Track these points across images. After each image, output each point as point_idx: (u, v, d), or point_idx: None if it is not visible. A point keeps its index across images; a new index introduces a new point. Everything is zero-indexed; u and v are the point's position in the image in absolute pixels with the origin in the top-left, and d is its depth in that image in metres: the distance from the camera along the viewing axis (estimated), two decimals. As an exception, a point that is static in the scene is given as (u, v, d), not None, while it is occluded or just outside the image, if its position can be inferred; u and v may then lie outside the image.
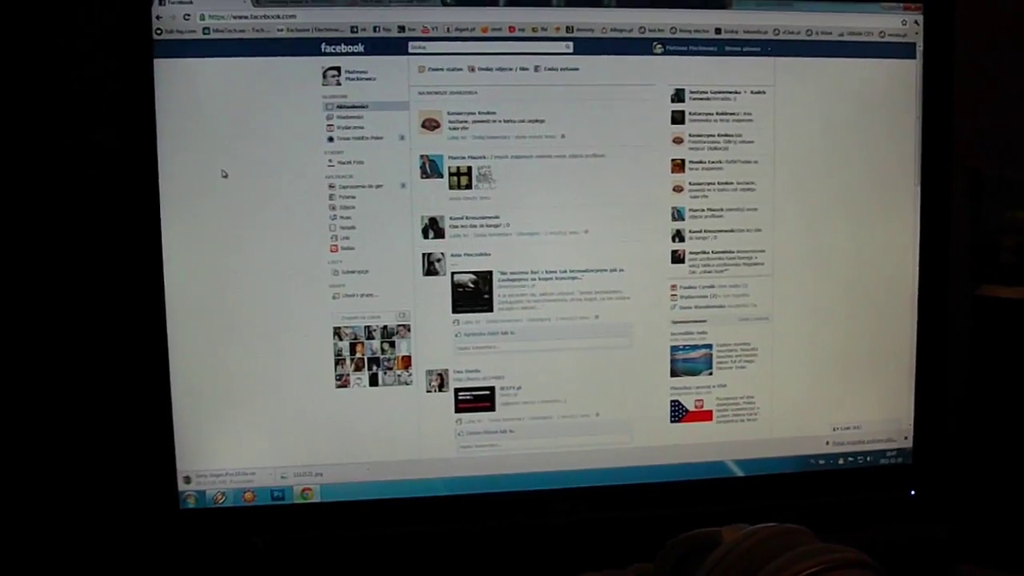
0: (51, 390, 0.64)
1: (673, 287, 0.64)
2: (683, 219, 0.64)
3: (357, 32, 0.60)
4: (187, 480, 0.61)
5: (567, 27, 0.62)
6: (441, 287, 0.62)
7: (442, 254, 0.62)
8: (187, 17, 0.59)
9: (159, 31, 0.59)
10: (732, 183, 0.64)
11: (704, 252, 0.64)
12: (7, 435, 0.64)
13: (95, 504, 0.64)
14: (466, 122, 0.61)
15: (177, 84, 0.59)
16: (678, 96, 0.63)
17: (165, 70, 0.59)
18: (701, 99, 0.63)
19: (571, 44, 0.62)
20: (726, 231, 0.64)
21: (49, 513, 0.64)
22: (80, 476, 0.64)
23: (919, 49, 0.65)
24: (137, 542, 0.63)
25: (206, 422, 0.61)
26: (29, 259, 0.64)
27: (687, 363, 0.64)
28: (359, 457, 0.62)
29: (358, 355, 0.61)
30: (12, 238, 0.63)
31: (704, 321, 0.64)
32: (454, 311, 0.62)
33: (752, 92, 0.64)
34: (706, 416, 0.65)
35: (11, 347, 0.64)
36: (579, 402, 0.64)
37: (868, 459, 0.67)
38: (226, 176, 0.60)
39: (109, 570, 0.64)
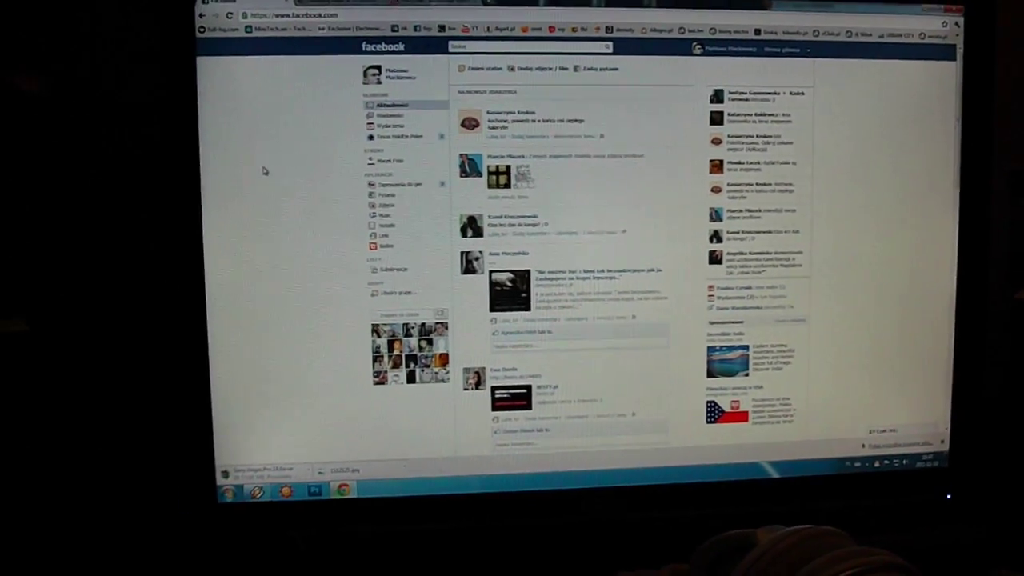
0: (92, 384, 0.65)
1: (711, 288, 0.64)
2: (721, 220, 0.64)
3: (398, 31, 0.61)
4: (225, 474, 0.62)
5: (607, 27, 0.62)
6: (479, 285, 0.62)
7: (480, 252, 0.62)
8: (230, 15, 0.60)
9: (202, 29, 0.60)
10: (770, 184, 0.64)
11: (742, 253, 0.64)
12: (49, 429, 0.64)
13: (134, 497, 0.64)
14: (505, 121, 0.62)
15: (219, 82, 0.60)
16: (717, 97, 0.63)
17: (208, 68, 0.60)
18: (740, 100, 0.63)
19: (611, 44, 0.62)
20: (764, 232, 0.64)
21: (88, 506, 0.65)
22: (119, 470, 0.65)
23: (959, 51, 0.65)
24: (175, 535, 0.63)
25: (244, 417, 0.61)
26: (71, 255, 0.64)
27: (724, 364, 0.64)
28: (396, 454, 0.62)
29: (396, 352, 0.62)
30: (54, 234, 0.64)
31: (741, 322, 0.64)
32: (492, 309, 0.62)
33: (791, 93, 0.64)
34: (742, 417, 0.65)
35: (52, 342, 0.64)
36: (615, 402, 0.64)
37: (904, 462, 0.67)
38: (267, 173, 0.60)
39: (147, 563, 0.64)
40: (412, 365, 0.62)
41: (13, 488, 0.64)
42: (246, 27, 0.60)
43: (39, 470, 0.64)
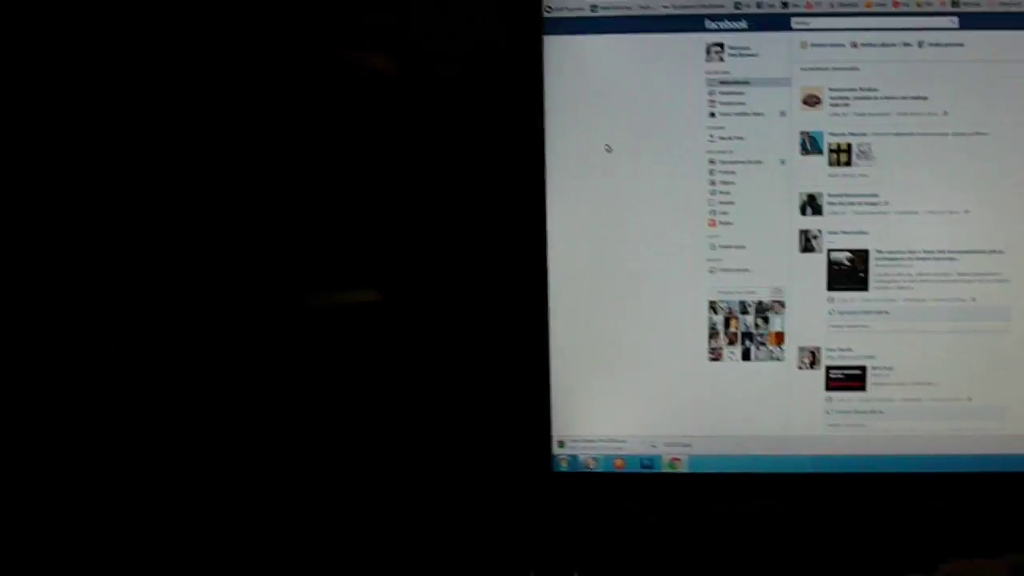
0: (438, 353, 0.67)
1: (1055, 271, 0.62)
2: (1068, 200, 0.61)
3: (740, 8, 0.61)
4: (561, 444, 0.63)
5: (952, 2, 0.60)
6: (817, 264, 0.62)
7: (819, 231, 0.61)
8: (576, -5, 0.61)
9: (549, 8, 0.61)
10: (1122, 164, 0.61)
11: (1089, 235, 0.62)
12: (397, 394, 0.67)
13: (475, 463, 0.67)
14: (847, 99, 0.61)
15: (564, 60, 0.61)
16: (1068, 72, 0.61)
17: (553, 47, 0.61)
18: (1092, 76, 0.61)
19: (956, 19, 0.61)
20: (1113, 214, 0.62)
21: (428, 470, 0.67)
22: (461, 436, 0.67)
23: None
24: (513, 501, 0.65)
25: (581, 389, 0.63)
26: (420, 227, 0.67)
27: (1066, 349, 0.62)
28: (728, 430, 0.63)
29: (732, 329, 0.62)
30: (404, 206, 0.66)
31: (1086, 307, 0.62)
32: (829, 289, 0.62)
33: None
34: (1083, 405, 0.63)
35: (401, 312, 0.67)
36: (951, 386, 0.62)
37: None
38: (610, 150, 0.61)
39: (486, 526, 0.66)
40: (747, 343, 0.62)
41: (355, 446, 0.66)
42: (591, 6, 0.61)
43: (388, 431, 0.67)
